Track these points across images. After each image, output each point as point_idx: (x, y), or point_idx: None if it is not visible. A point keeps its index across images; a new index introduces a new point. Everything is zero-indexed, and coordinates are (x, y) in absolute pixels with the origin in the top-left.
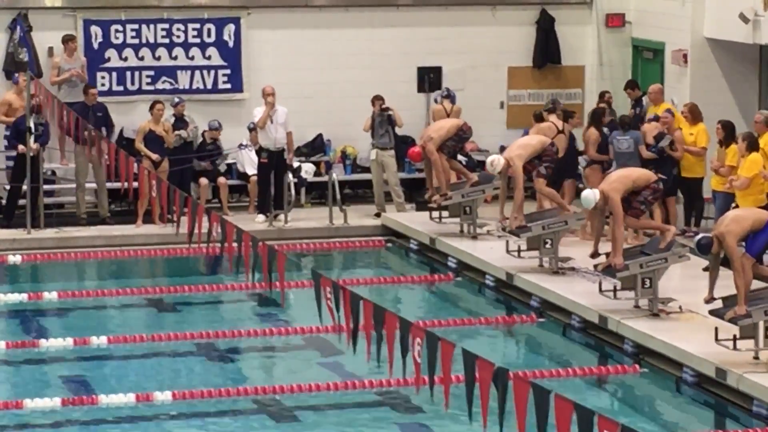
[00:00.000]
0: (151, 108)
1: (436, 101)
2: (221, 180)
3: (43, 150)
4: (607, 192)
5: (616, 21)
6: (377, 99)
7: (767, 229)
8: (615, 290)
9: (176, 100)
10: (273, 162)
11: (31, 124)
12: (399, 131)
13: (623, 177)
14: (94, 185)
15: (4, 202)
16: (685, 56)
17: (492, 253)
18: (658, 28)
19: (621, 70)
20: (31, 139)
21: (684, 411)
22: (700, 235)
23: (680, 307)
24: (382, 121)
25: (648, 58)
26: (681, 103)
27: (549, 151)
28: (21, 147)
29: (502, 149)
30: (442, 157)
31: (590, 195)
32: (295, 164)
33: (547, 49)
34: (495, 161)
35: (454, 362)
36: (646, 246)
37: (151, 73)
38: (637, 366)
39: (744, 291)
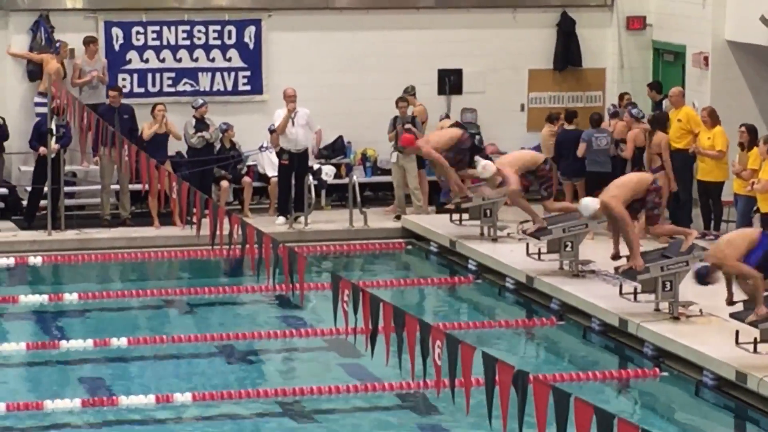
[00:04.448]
0: (152, 110)
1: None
2: (246, 179)
3: (65, 152)
4: (607, 201)
5: (636, 23)
6: (401, 101)
7: (761, 246)
8: (635, 293)
9: (199, 101)
10: (294, 164)
11: (53, 126)
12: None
13: (622, 185)
14: (116, 187)
15: (25, 203)
16: (705, 59)
17: (512, 255)
18: (678, 31)
19: (642, 72)
20: (53, 141)
21: (704, 415)
22: (698, 265)
23: (700, 311)
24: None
25: (669, 61)
26: (701, 107)
27: (543, 170)
28: (42, 149)
29: None
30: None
31: (590, 203)
32: (316, 166)
33: (567, 51)
34: (487, 166)
35: (474, 365)
36: (667, 249)
37: (172, 74)
38: (657, 369)
39: (760, 294)
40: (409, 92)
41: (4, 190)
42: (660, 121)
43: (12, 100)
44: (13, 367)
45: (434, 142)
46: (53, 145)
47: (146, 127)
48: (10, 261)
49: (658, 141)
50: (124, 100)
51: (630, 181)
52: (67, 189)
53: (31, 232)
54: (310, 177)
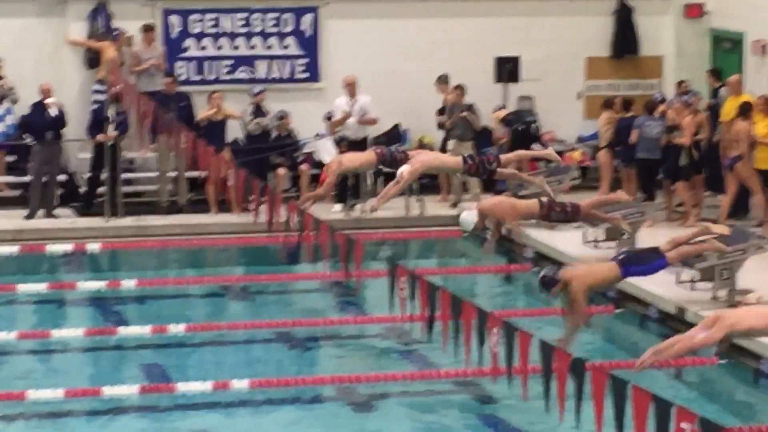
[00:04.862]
0: (209, 97)
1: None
2: (303, 167)
3: (122, 139)
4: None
5: (694, 11)
6: (457, 89)
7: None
8: (693, 281)
9: (257, 89)
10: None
11: (110, 114)
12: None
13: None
14: (173, 174)
15: (83, 190)
16: (764, 47)
17: (569, 243)
18: (737, 18)
19: (699, 60)
20: (110, 128)
21: (762, 402)
22: (547, 271)
23: (758, 299)
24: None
25: (727, 49)
26: (759, 95)
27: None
28: (100, 136)
29: (580, 140)
30: None
31: (468, 217)
32: None
33: (625, 39)
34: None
35: (531, 352)
36: (727, 237)
37: (230, 62)
38: (715, 358)
39: (574, 332)
40: (442, 80)
41: (62, 178)
42: (744, 110)
43: (70, 87)
44: (72, 352)
45: (347, 162)
46: (111, 132)
47: (202, 115)
48: (69, 247)
49: (739, 129)
50: (181, 88)
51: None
52: (124, 176)
53: (89, 219)
54: None
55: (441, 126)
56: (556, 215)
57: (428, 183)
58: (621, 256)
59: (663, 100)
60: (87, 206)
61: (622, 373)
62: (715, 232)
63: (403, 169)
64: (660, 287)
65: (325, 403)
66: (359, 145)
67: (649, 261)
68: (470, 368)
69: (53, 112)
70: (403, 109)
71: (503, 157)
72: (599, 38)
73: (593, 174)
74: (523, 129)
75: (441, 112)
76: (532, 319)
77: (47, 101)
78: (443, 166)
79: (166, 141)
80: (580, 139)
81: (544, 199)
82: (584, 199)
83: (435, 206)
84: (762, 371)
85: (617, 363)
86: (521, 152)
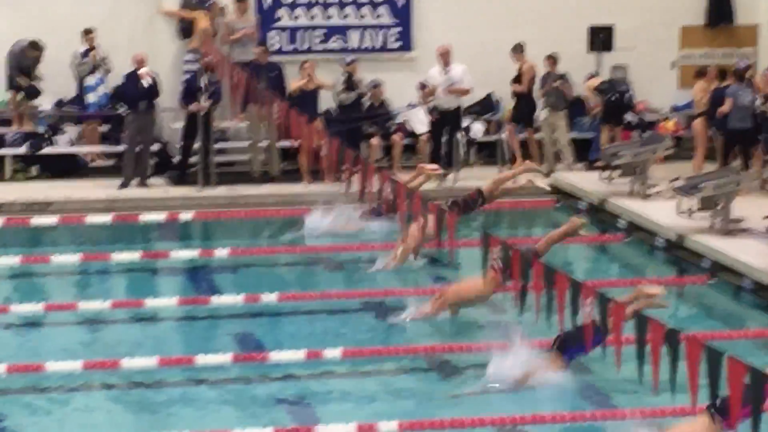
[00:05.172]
0: (301, 66)
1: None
2: (395, 137)
3: (215, 109)
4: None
5: None
6: (549, 58)
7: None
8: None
9: (350, 58)
10: (445, 121)
11: (202, 84)
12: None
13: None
14: (265, 143)
15: (177, 160)
16: None
17: (662, 213)
18: None
19: None
20: (203, 98)
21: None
22: None
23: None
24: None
25: None
26: None
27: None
28: (193, 106)
29: (674, 110)
30: None
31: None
32: (465, 123)
33: (720, 7)
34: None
35: (624, 323)
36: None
37: (323, 32)
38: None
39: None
40: (518, 49)
41: (156, 147)
42: None
43: (163, 58)
44: (165, 321)
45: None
46: (203, 102)
47: (294, 84)
48: (162, 217)
49: None
50: (274, 58)
51: (475, 288)
52: (217, 146)
53: (182, 188)
54: (460, 134)
55: (515, 94)
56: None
57: (522, 153)
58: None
59: (748, 68)
60: (180, 176)
61: (716, 344)
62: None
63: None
64: (755, 257)
65: (418, 372)
66: (451, 115)
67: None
68: None
69: (146, 82)
70: (496, 79)
71: (485, 189)
72: (694, 7)
73: (687, 144)
74: (616, 99)
75: (515, 80)
76: (625, 290)
77: (141, 71)
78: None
79: (258, 111)
80: (674, 109)
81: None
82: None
83: (527, 175)
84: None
85: (712, 334)
86: (501, 179)
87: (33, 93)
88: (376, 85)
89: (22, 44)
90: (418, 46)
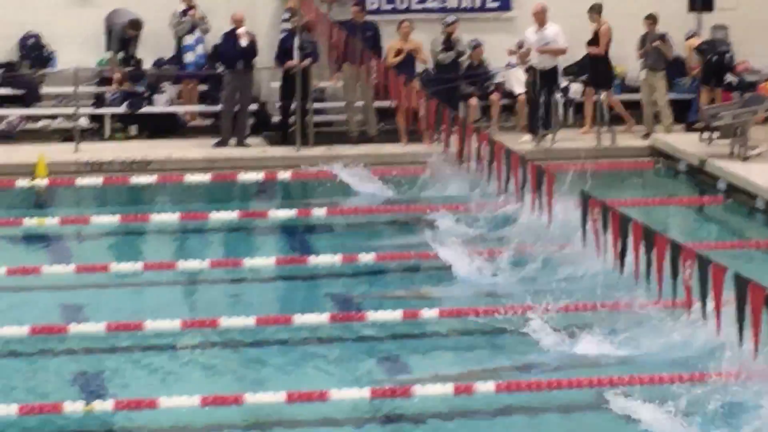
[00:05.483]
0: (399, 26)
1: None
2: (493, 97)
3: (311, 68)
4: None
5: None
6: (649, 18)
7: None
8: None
9: (450, 19)
10: (541, 81)
11: (296, 42)
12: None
13: None
14: (360, 104)
15: (275, 119)
16: None
17: (763, 175)
18: None
19: None
20: (297, 57)
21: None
22: None
23: None
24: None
25: None
26: None
27: None
28: (288, 63)
29: None
30: None
31: None
32: (563, 84)
33: None
34: None
35: (724, 286)
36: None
37: None
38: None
39: None
40: (594, 10)
41: (254, 107)
42: None
43: (262, 17)
44: (263, 281)
45: None
46: (297, 60)
47: (390, 53)
48: (260, 176)
49: None
50: (372, 17)
51: None
52: (315, 105)
53: (280, 148)
54: (558, 94)
55: (591, 56)
56: None
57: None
58: None
59: None
60: (280, 136)
61: None
62: None
63: None
64: None
65: (516, 335)
66: (548, 75)
67: None
68: (661, 301)
69: (244, 41)
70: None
71: None
72: None
73: None
74: (716, 59)
75: (591, 43)
76: (724, 252)
77: (239, 31)
78: None
79: (354, 71)
80: None
81: None
82: None
83: (627, 137)
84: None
85: None
86: None
87: (131, 65)
88: (476, 45)
89: (123, 19)
90: (517, 6)
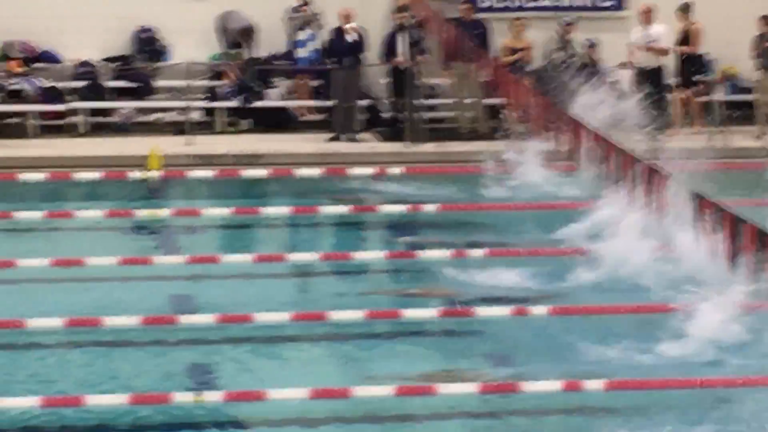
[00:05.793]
0: (511, 24)
1: None
2: None
3: (418, 65)
4: None
5: None
6: (763, 19)
7: None
8: None
9: (568, 19)
10: (645, 80)
11: (401, 39)
12: None
13: None
14: (469, 101)
15: (387, 115)
16: None
17: None
18: None
19: None
20: (402, 53)
21: None
22: None
23: None
24: None
25: None
26: None
27: None
28: (394, 60)
29: None
30: None
31: None
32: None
33: None
34: None
35: None
36: None
37: None
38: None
39: None
40: (684, 10)
41: (365, 102)
42: None
43: (375, 12)
44: (374, 274)
45: None
46: (402, 58)
47: (504, 52)
48: (371, 171)
49: None
50: (485, 15)
51: None
52: (426, 102)
53: (391, 144)
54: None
55: (682, 55)
56: None
57: (736, 114)
58: None
59: None
60: (393, 132)
61: None
62: None
63: None
64: None
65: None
66: (652, 74)
67: None
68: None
69: (351, 37)
70: (709, 38)
71: None
72: None
73: None
74: None
75: (682, 42)
76: None
77: (346, 26)
78: None
79: (463, 68)
80: None
81: None
82: None
83: (740, 138)
84: None
85: None
86: None
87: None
88: (592, 45)
89: (236, 25)
90: (631, 5)
